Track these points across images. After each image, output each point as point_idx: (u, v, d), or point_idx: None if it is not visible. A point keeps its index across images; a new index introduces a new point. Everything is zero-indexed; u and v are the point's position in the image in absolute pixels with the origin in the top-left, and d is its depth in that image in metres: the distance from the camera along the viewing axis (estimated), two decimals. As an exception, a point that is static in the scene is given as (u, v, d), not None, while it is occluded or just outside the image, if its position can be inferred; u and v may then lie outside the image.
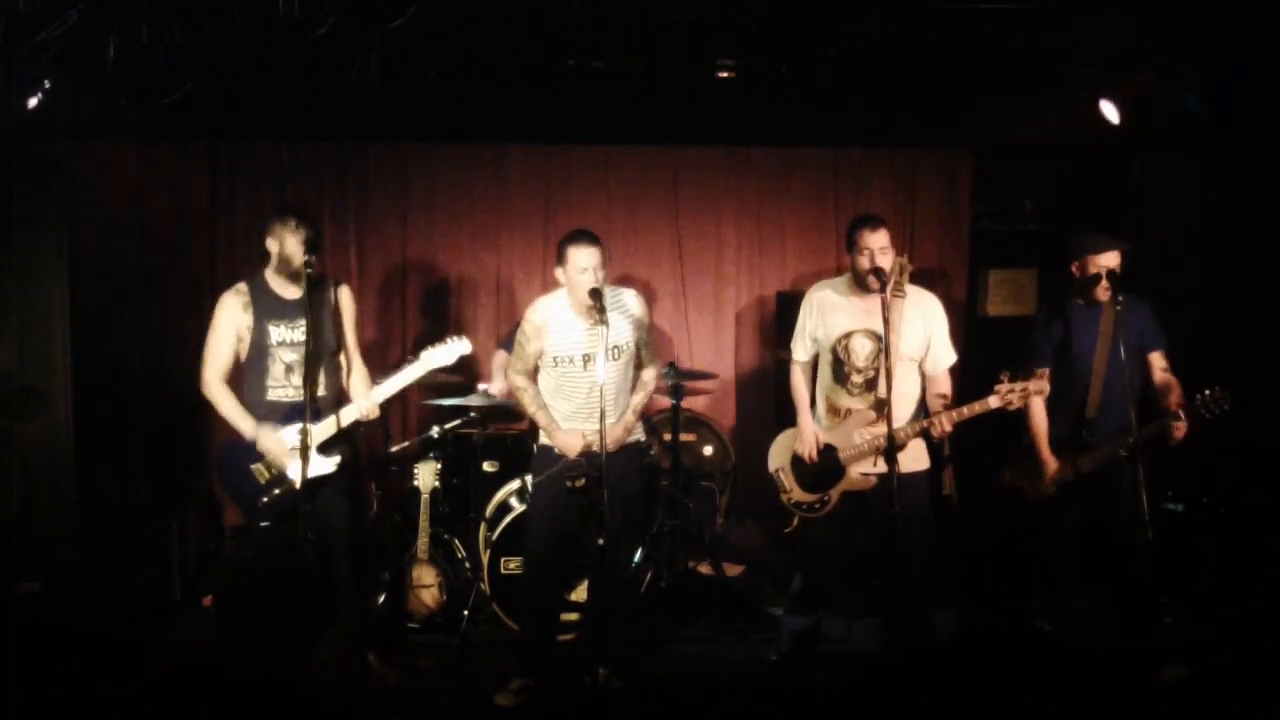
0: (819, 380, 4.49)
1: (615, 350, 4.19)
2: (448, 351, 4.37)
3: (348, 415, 4.29)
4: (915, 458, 4.30)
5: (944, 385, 4.36)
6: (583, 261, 4.11)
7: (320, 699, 2.25)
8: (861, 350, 4.30)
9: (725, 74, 5.43)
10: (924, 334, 4.30)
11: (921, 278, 6.23)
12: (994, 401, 4.10)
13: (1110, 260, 4.50)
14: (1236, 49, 4.88)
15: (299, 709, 2.18)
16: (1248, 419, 4.40)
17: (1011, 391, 4.07)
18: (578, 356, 4.21)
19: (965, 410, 4.17)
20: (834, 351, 4.34)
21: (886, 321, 3.99)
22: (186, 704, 2.13)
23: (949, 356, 4.37)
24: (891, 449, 3.89)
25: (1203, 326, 5.75)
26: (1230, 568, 5.17)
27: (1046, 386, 4.15)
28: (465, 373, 6.05)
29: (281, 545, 2.36)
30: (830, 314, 4.36)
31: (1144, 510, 4.19)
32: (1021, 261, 6.55)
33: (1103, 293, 4.54)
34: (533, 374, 4.36)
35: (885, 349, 4.03)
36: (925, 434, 4.27)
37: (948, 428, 4.19)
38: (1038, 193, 6.53)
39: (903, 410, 4.27)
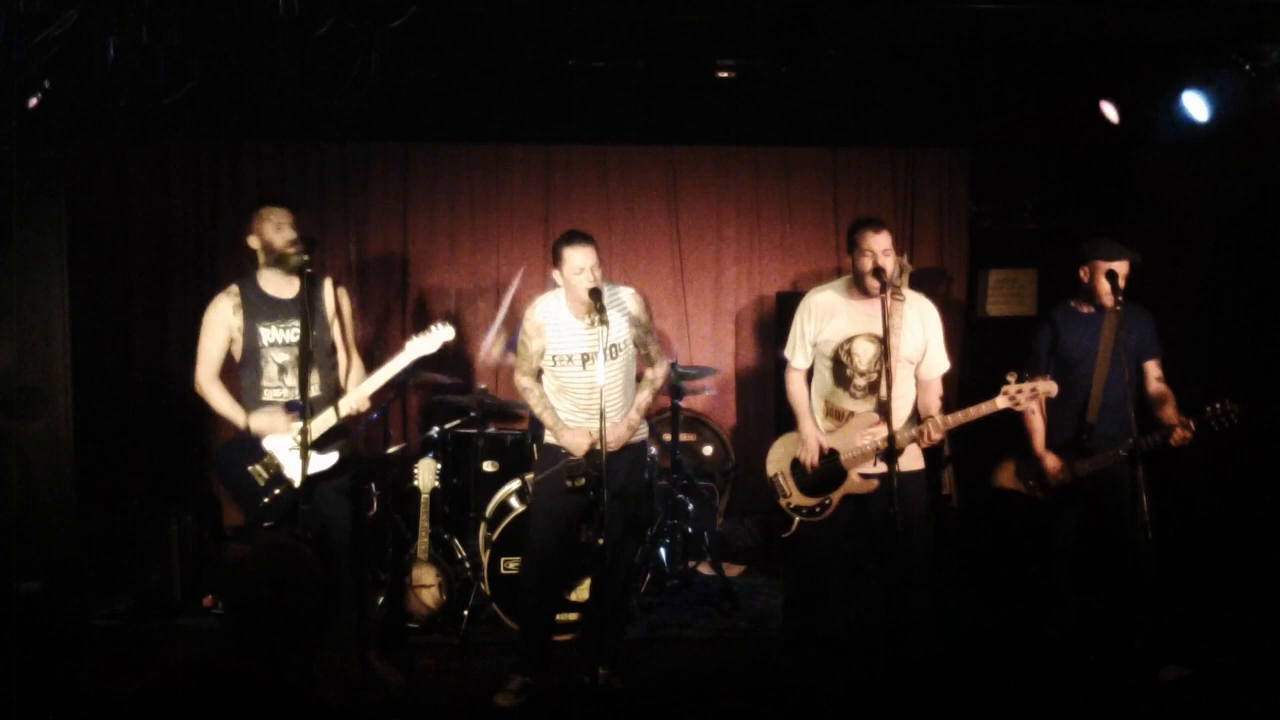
0: (816, 385, 4.47)
1: (613, 349, 4.19)
2: (431, 339, 4.29)
3: (341, 408, 4.30)
4: (912, 458, 4.30)
5: (937, 390, 4.36)
6: (579, 261, 4.11)
7: (321, 699, 2.25)
8: (865, 354, 4.29)
9: (725, 74, 5.42)
10: (922, 338, 4.29)
11: (921, 278, 6.28)
12: (1001, 402, 4.09)
13: (1120, 270, 4.51)
14: (1236, 47, 4.88)
15: (300, 709, 2.18)
16: (1248, 419, 4.40)
17: (1020, 391, 4.05)
18: (576, 356, 4.21)
19: (972, 411, 4.16)
20: (835, 356, 4.33)
21: (887, 326, 3.98)
22: (187, 704, 2.13)
23: (944, 363, 4.36)
24: (892, 450, 3.89)
25: (1203, 326, 5.74)
26: (1231, 568, 5.17)
27: (1054, 387, 4.14)
28: (464, 373, 6.06)
29: (284, 548, 2.35)
30: (830, 319, 4.34)
31: (1144, 511, 4.20)
32: (1021, 261, 6.56)
33: (1106, 298, 4.56)
34: (537, 374, 4.36)
35: (886, 351, 4.03)
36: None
37: (936, 437, 4.19)
38: (1038, 193, 6.53)
39: (903, 412, 4.27)
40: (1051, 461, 4.69)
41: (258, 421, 4.22)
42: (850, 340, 4.29)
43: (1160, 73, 5.34)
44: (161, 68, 3.97)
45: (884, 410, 4.10)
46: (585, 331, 4.16)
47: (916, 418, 4.31)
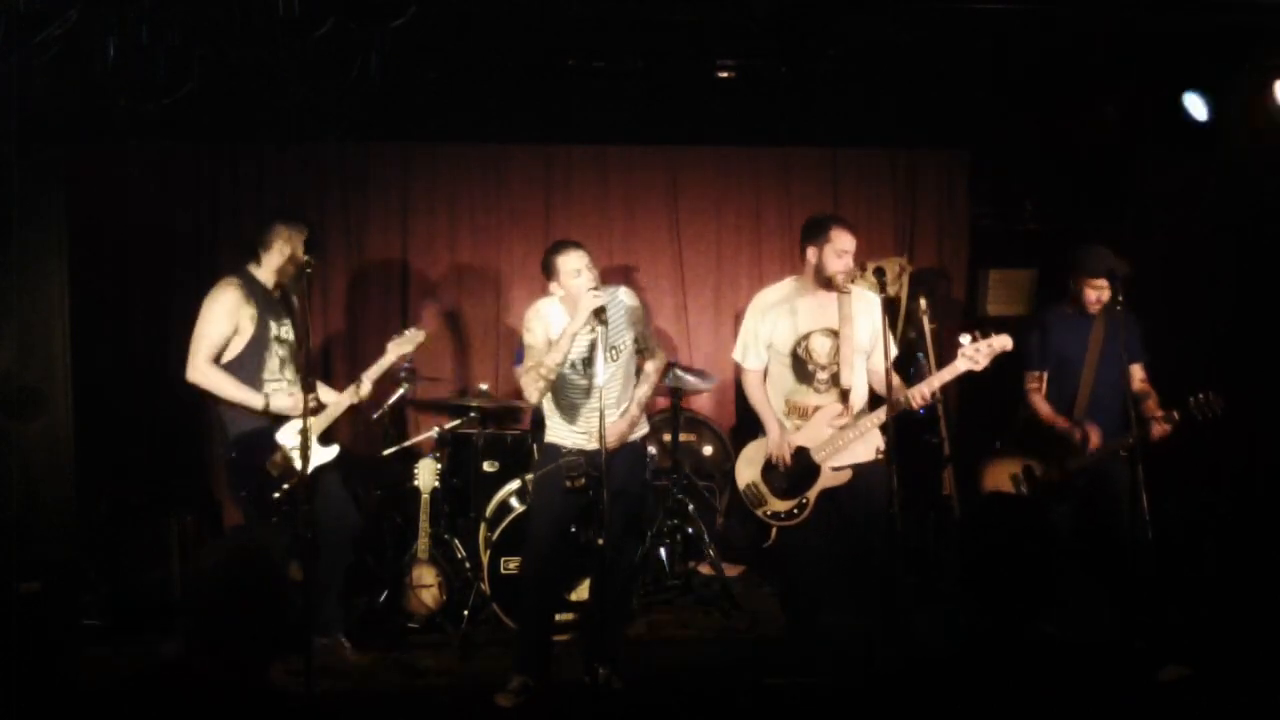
0: (776, 385, 4.47)
1: (614, 351, 4.19)
2: (406, 340, 4.64)
3: (345, 400, 4.49)
4: (875, 447, 4.30)
5: (894, 378, 4.38)
6: (574, 264, 4.14)
7: (281, 696, 2.26)
8: (821, 348, 4.34)
9: (725, 74, 5.43)
10: (872, 328, 4.31)
11: (921, 278, 6.28)
12: (962, 364, 4.12)
13: (1098, 285, 4.60)
14: (1235, 47, 4.89)
15: (260, 710, 2.17)
16: (1247, 418, 4.40)
17: (978, 350, 4.08)
18: (577, 362, 4.21)
19: (935, 380, 4.18)
20: (794, 353, 4.36)
21: (886, 318, 4.01)
22: (185, 705, 2.13)
23: (892, 350, 4.37)
24: (891, 448, 3.89)
25: (1203, 326, 5.74)
26: (1230, 567, 5.17)
27: (1009, 341, 4.13)
28: (461, 375, 6.08)
29: (249, 550, 2.32)
30: (785, 318, 4.39)
31: (1144, 510, 4.21)
32: (1021, 261, 6.55)
33: (1091, 308, 4.66)
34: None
35: (885, 349, 4.06)
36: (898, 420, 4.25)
37: (926, 396, 4.19)
38: (1038, 193, 6.53)
39: (864, 402, 4.32)
40: (1092, 431, 4.63)
41: (278, 400, 4.31)
42: (806, 336, 4.35)
43: (1160, 73, 5.34)
44: (161, 68, 3.97)
45: (847, 399, 4.22)
46: (584, 337, 4.16)
47: (873, 405, 4.34)
